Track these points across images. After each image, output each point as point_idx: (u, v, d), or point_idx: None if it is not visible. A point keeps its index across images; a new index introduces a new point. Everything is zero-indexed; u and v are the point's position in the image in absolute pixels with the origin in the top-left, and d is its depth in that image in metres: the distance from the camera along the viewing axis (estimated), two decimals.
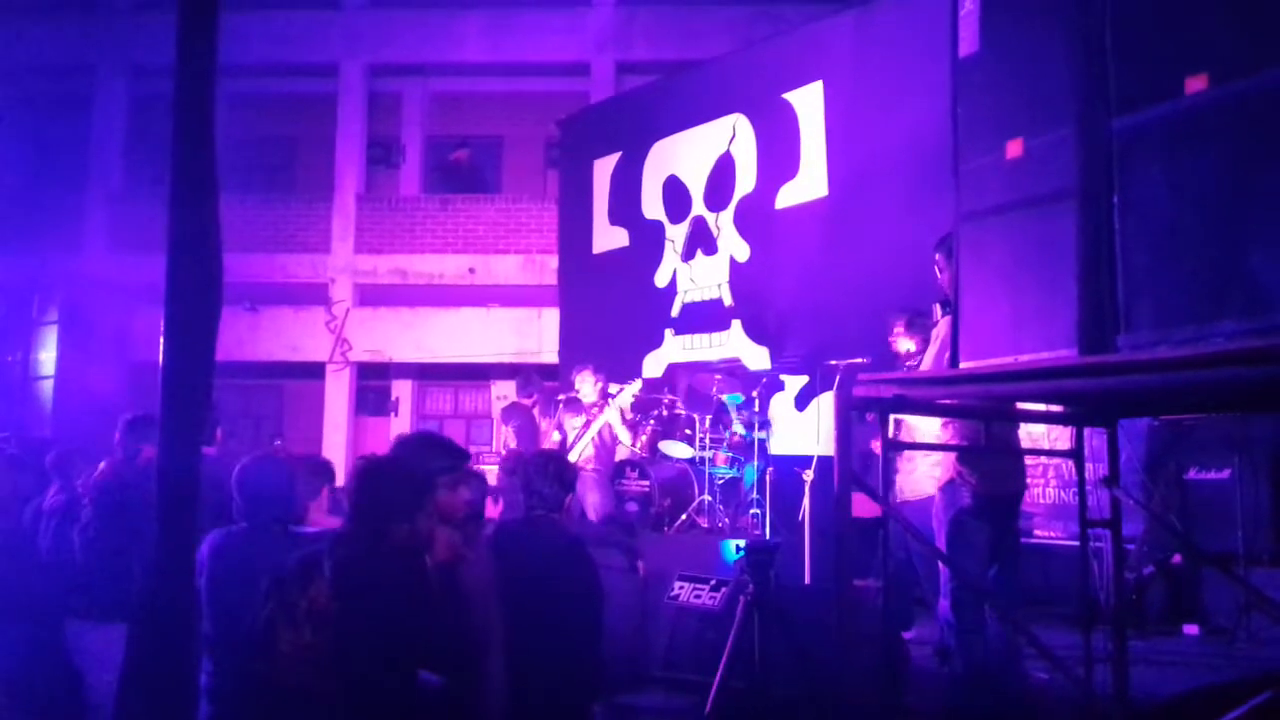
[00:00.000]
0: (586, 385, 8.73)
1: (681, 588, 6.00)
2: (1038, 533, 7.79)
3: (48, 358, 12.78)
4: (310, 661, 2.85)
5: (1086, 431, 4.50)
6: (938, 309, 5.42)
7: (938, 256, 5.25)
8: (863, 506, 4.47)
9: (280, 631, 2.87)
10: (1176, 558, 7.38)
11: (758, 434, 8.44)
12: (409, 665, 2.95)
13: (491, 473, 7.77)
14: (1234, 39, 2.46)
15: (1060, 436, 6.07)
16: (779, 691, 4.35)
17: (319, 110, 15.48)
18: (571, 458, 8.16)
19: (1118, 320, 2.66)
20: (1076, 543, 4.97)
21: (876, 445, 6.03)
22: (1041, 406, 4.59)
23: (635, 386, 8.77)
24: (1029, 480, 5.96)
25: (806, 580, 6.90)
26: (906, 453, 5.97)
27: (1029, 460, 6.20)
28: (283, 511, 4.06)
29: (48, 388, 12.68)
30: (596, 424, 8.46)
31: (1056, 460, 7.69)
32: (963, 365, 3.23)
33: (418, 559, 3.09)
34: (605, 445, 8.63)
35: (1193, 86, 2.48)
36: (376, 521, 3.02)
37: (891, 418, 5.58)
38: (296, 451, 11.96)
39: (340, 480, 4.42)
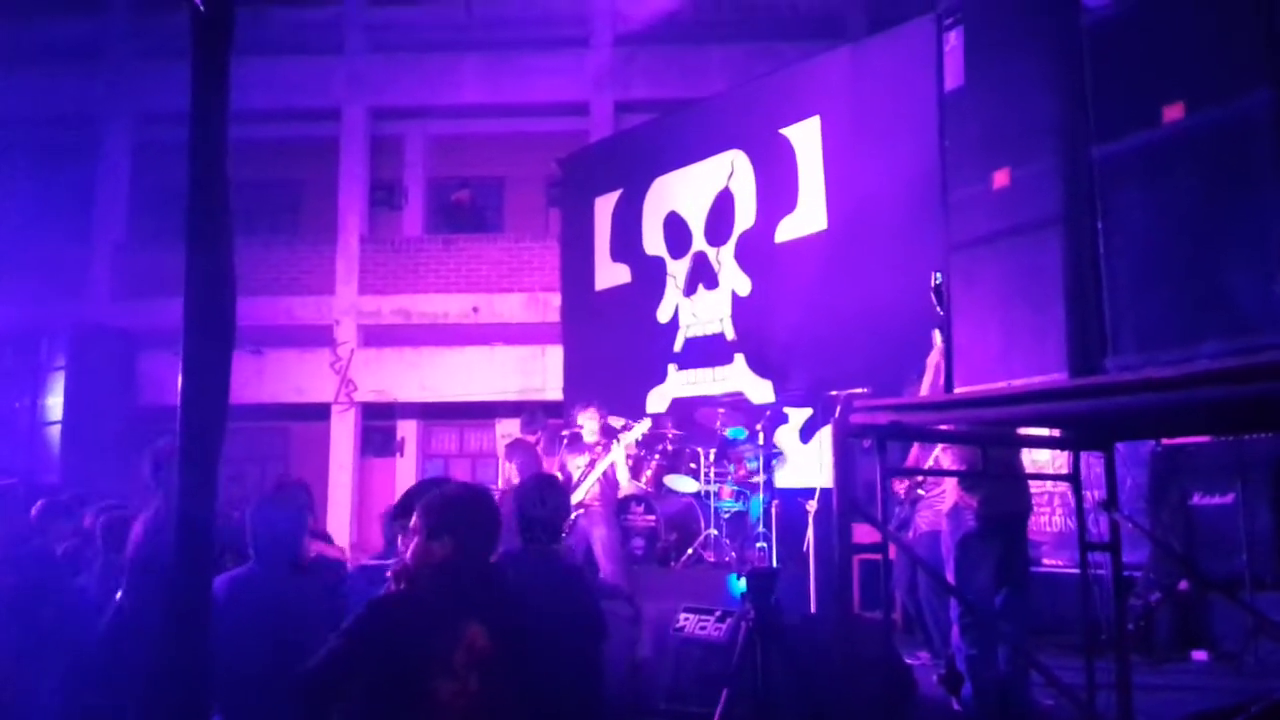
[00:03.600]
0: (591, 424, 8.74)
1: (687, 619, 6.00)
2: (1045, 561, 7.81)
3: (55, 403, 12.87)
4: (477, 709, 2.83)
5: (1087, 457, 4.53)
6: (936, 335, 5.47)
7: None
8: (870, 537, 4.49)
9: (434, 682, 2.80)
10: (1183, 584, 7.38)
11: (763, 469, 8.47)
12: None
13: None
14: (1208, 68, 2.53)
15: (1063, 463, 6.09)
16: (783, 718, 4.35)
17: (322, 154, 15.61)
18: (576, 496, 8.18)
19: (1105, 343, 2.71)
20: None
21: (898, 485, 6.08)
22: (1042, 431, 4.63)
23: (643, 426, 8.77)
24: (1035, 506, 5.98)
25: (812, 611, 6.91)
26: (929, 487, 6.01)
27: (1034, 487, 6.23)
28: (293, 551, 4.10)
29: (55, 433, 12.76)
30: (602, 464, 8.43)
31: (1062, 489, 7.71)
32: (956, 390, 3.28)
33: None
34: (610, 482, 8.63)
35: (1170, 115, 2.55)
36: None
37: (920, 448, 5.66)
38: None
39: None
